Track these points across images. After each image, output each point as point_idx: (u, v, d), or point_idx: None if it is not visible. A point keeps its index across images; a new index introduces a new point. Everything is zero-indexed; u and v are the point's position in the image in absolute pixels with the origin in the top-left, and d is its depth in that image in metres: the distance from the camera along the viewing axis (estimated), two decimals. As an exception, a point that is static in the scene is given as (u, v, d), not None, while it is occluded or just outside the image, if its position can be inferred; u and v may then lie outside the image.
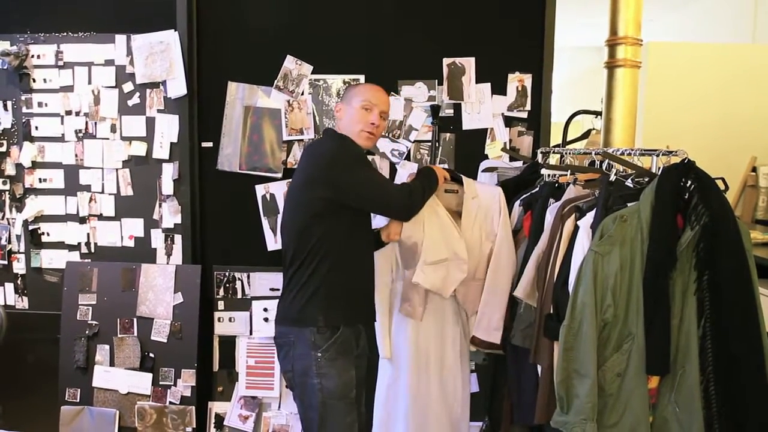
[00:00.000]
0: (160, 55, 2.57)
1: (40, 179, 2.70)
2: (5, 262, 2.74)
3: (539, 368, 1.88)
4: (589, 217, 1.71)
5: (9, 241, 2.73)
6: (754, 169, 4.91)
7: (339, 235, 1.90)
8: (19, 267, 2.75)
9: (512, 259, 2.11)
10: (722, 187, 1.62)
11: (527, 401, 1.97)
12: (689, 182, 1.58)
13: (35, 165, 2.70)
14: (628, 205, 1.63)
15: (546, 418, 1.78)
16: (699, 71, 4.98)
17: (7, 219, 2.73)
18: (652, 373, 1.57)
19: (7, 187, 2.71)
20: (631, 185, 1.71)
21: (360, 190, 1.91)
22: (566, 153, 2.28)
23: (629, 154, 1.81)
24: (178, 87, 2.57)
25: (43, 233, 2.73)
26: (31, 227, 2.72)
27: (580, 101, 5.20)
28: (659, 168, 1.66)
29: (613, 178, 1.73)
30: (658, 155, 1.69)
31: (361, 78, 2.61)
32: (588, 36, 5.83)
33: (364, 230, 2.01)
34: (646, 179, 1.68)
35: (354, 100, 1.99)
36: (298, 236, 1.91)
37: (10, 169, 2.70)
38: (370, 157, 2.54)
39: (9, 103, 2.67)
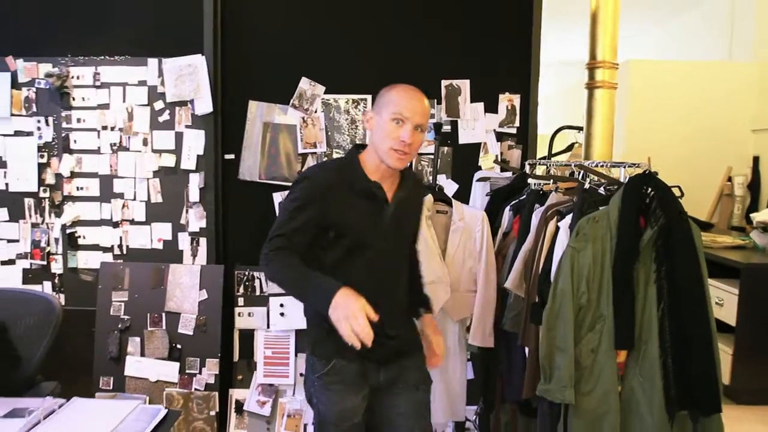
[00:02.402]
0: (189, 77, 2.87)
1: (77, 187, 2.98)
2: (44, 263, 3.01)
3: (527, 350, 2.18)
4: (568, 219, 2.02)
5: (48, 244, 3.00)
6: (729, 179, 5.25)
7: (324, 264, 1.70)
8: (56, 267, 3.01)
9: (495, 274, 2.44)
10: (678, 193, 1.94)
11: (516, 380, 2.26)
12: (650, 189, 1.90)
13: (73, 175, 2.97)
14: (600, 208, 1.94)
15: (532, 393, 2.07)
16: (678, 87, 5.34)
17: (47, 224, 3.00)
18: (620, 348, 1.87)
19: (47, 194, 2.98)
20: (603, 192, 2.02)
21: None
22: (550, 164, 2.60)
23: (602, 166, 2.13)
24: (204, 105, 2.87)
25: (79, 236, 3.00)
26: (68, 231, 2.99)
27: (567, 113, 5.52)
28: (626, 178, 1.98)
29: (587, 186, 2.04)
30: (625, 167, 2.01)
31: (368, 99, 2.91)
32: (574, 52, 6.16)
33: (357, 264, 1.71)
34: (615, 187, 1.99)
35: (384, 111, 1.69)
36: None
37: (50, 179, 2.97)
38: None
39: (50, 119, 2.95)
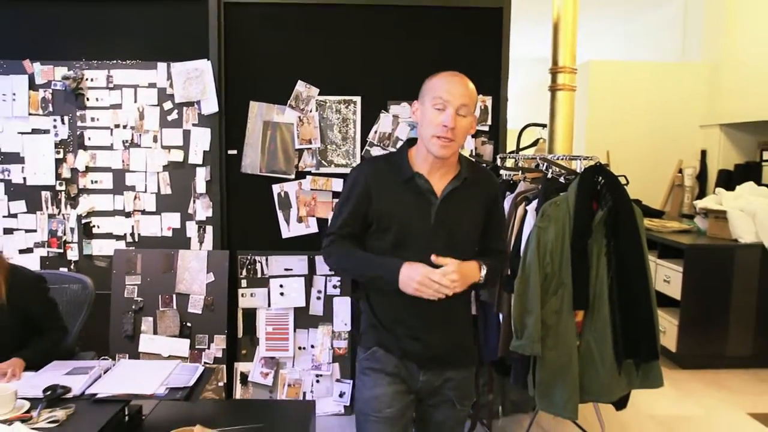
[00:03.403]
0: (196, 80, 3.17)
1: (92, 181, 3.25)
2: (61, 251, 3.27)
3: (501, 317, 2.57)
4: (534, 203, 2.41)
5: (64, 233, 3.27)
6: (680, 171, 5.74)
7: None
8: (72, 254, 3.28)
9: None
10: (624, 181, 2.35)
11: (492, 342, 2.65)
12: (600, 178, 2.30)
13: (88, 169, 3.24)
14: (560, 194, 2.34)
15: (506, 351, 2.46)
16: (635, 86, 5.80)
17: (63, 214, 3.26)
18: (578, 308, 2.28)
19: (64, 187, 3.24)
20: (563, 181, 2.42)
21: None
22: (519, 158, 2.99)
23: (562, 159, 2.52)
24: (210, 105, 3.17)
25: (94, 226, 3.27)
26: (83, 221, 3.26)
27: (536, 108, 5.89)
28: (581, 169, 2.38)
29: (550, 176, 2.44)
30: (580, 160, 2.41)
31: (358, 100, 3.25)
32: (543, 50, 6.55)
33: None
34: (573, 176, 2.39)
35: (426, 98, 1.64)
36: None
37: (66, 173, 3.23)
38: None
39: (66, 118, 3.21)
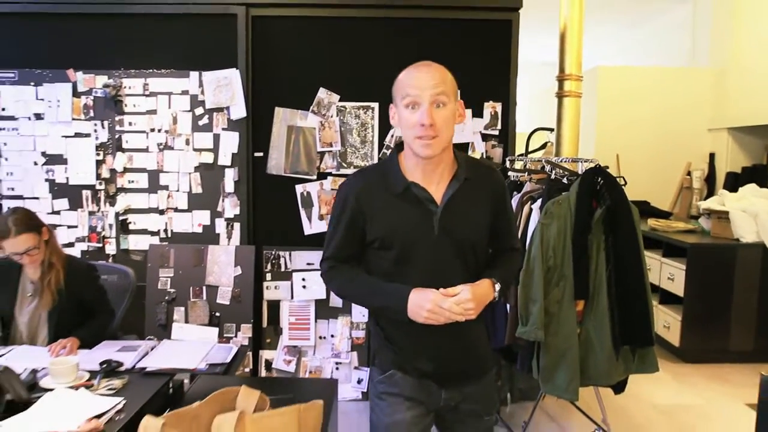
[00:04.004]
0: (225, 87, 3.41)
1: (129, 181, 3.50)
2: (100, 245, 3.53)
3: (508, 307, 2.77)
4: (539, 202, 2.61)
5: (103, 229, 3.53)
6: (689, 173, 5.89)
7: (378, 275, 1.58)
8: (110, 249, 3.53)
9: None
10: (622, 182, 2.54)
11: (500, 330, 2.84)
12: (600, 179, 2.49)
13: (125, 170, 3.49)
14: (563, 194, 2.53)
15: (513, 339, 2.66)
16: (643, 91, 5.95)
17: (102, 212, 3.52)
18: (578, 298, 2.47)
19: (103, 187, 3.50)
20: (565, 181, 2.62)
21: None
22: (527, 160, 3.19)
23: (565, 162, 2.72)
24: (238, 111, 3.41)
25: (130, 222, 3.53)
26: (121, 218, 3.51)
27: (544, 111, 6.06)
28: (583, 170, 2.57)
29: (553, 177, 2.64)
30: (582, 162, 2.60)
31: (375, 106, 3.47)
32: (551, 54, 6.69)
33: (405, 279, 1.52)
34: (574, 177, 2.59)
35: (398, 99, 1.52)
36: None
37: (105, 173, 3.49)
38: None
39: (105, 123, 3.47)
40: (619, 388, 2.60)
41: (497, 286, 1.54)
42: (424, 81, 1.46)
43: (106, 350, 2.20)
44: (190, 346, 2.33)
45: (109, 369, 2.00)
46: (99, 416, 1.62)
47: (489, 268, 1.60)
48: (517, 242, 1.74)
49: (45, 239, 2.34)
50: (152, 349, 2.21)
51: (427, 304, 1.43)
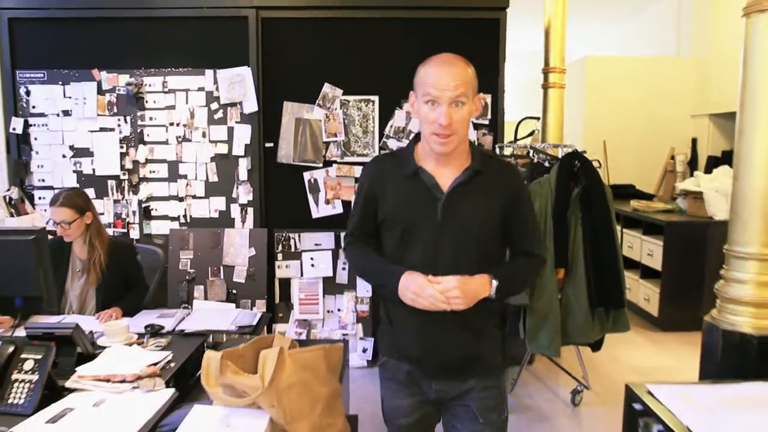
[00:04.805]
0: (238, 84, 3.72)
1: (150, 171, 3.82)
2: (125, 230, 3.85)
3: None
4: (524, 183, 2.93)
5: (127, 215, 3.84)
6: (672, 158, 6.20)
7: (384, 255, 1.65)
8: (134, 234, 3.85)
9: None
10: (597, 165, 2.87)
11: (491, 300, 3.18)
12: (577, 162, 2.82)
13: (147, 161, 3.81)
14: (545, 176, 2.86)
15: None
16: (630, 80, 6.23)
17: (126, 200, 3.84)
18: (559, 267, 2.80)
19: (126, 177, 3.82)
20: (547, 165, 2.94)
21: None
22: (514, 147, 3.52)
23: (547, 147, 3.04)
24: (251, 105, 3.72)
25: (152, 209, 3.84)
26: (143, 205, 3.83)
27: (531, 99, 6.29)
28: (562, 155, 2.90)
29: (536, 161, 2.96)
30: (561, 148, 2.93)
31: (376, 99, 3.78)
32: (537, 44, 6.93)
33: (408, 259, 1.57)
34: (555, 161, 2.91)
35: (418, 92, 1.53)
36: None
37: (128, 164, 3.81)
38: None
39: (128, 118, 3.78)
40: (596, 346, 2.95)
41: (494, 283, 1.50)
42: (446, 80, 1.47)
43: (147, 318, 2.52)
44: (218, 312, 2.66)
45: (154, 331, 2.32)
46: (154, 365, 1.94)
47: (495, 266, 1.58)
48: (536, 248, 1.67)
49: (87, 222, 2.65)
50: (187, 316, 2.53)
51: (413, 287, 1.48)
